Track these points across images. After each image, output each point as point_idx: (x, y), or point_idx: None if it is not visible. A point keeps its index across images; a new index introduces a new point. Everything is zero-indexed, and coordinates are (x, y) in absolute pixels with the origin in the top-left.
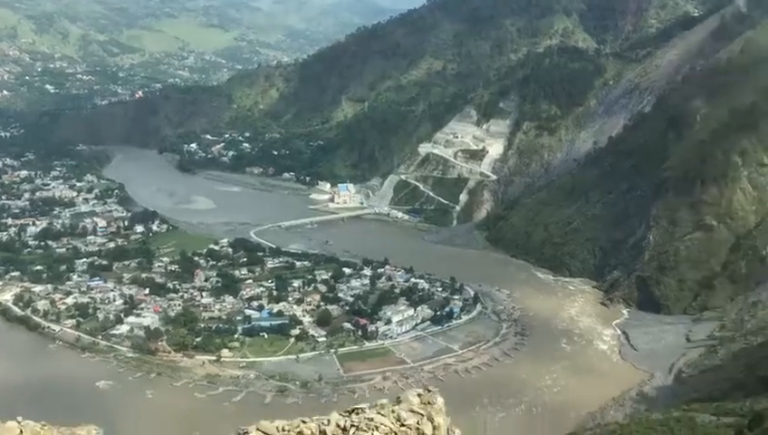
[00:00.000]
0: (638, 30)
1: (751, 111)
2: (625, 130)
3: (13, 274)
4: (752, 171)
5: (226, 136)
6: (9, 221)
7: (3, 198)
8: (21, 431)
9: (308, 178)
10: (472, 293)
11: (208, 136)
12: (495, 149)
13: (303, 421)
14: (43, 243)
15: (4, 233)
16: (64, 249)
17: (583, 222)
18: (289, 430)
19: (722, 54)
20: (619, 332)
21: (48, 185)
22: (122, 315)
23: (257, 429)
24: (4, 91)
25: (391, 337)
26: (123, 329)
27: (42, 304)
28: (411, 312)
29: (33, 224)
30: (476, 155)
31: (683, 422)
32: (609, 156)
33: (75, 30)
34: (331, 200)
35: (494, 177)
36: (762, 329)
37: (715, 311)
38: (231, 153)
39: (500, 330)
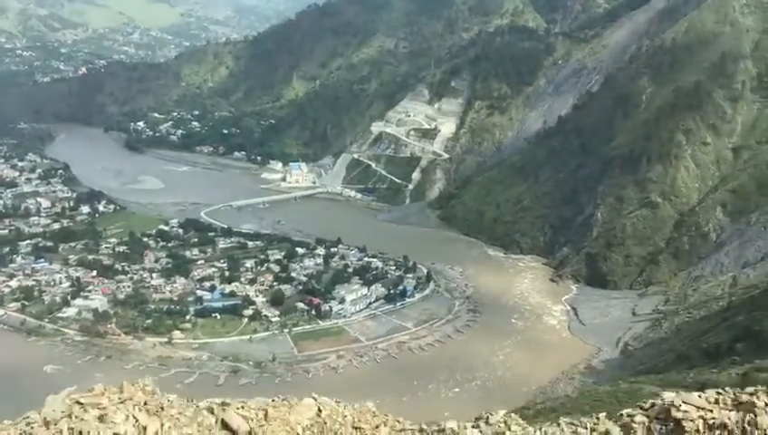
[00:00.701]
0: (586, 10)
1: (695, 91)
2: (574, 110)
3: None
4: (695, 149)
5: (175, 114)
6: None
7: None
8: (319, 408)
9: (259, 158)
10: (425, 271)
11: (156, 114)
12: (447, 127)
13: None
14: None
15: None
16: (7, 231)
17: (533, 200)
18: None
19: (667, 35)
20: (568, 307)
21: None
22: (69, 298)
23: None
24: None
25: (345, 316)
26: (70, 312)
27: None
28: (365, 291)
29: None
30: (429, 134)
31: (630, 394)
32: (559, 135)
33: (14, 4)
34: (283, 180)
35: (447, 155)
36: (704, 303)
37: (659, 286)
38: (180, 132)
39: (453, 307)
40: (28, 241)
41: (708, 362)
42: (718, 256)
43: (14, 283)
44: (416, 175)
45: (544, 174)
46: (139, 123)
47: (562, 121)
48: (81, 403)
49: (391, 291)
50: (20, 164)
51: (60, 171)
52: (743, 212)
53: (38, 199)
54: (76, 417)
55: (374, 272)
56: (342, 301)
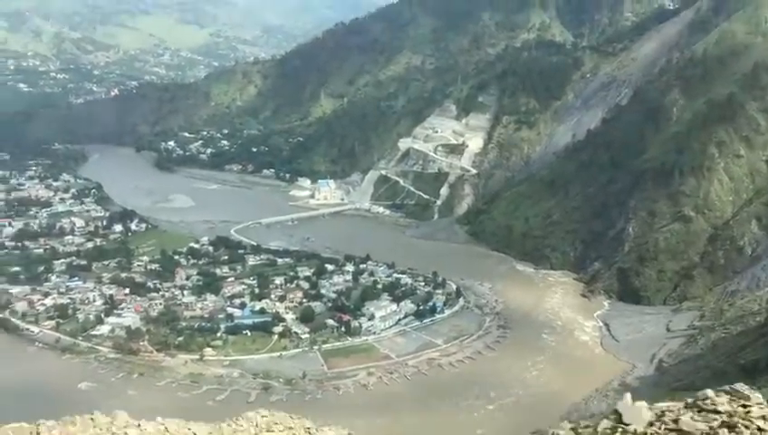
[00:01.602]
0: (614, 24)
1: (728, 103)
2: (603, 123)
3: None
4: (728, 162)
5: (204, 133)
6: None
7: None
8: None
9: (288, 175)
10: (454, 287)
11: (186, 134)
12: (475, 143)
13: None
14: (19, 244)
15: None
16: (42, 250)
17: (563, 215)
18: None
19: (698, 46)
20: (600, 323)
21: (23, 185)
22: (103, 316)
23: None
24: None
25: (375, 333)
26: (104, 329)
27: (20, 306)
28: (394, 307)
29: (10, 225)
30: (456, 149)
31: None
32: (588, 149)
33: (48, 28)
34: (312, 197)
35: (475, 171)
36: (740, 318)
37: (694, 301)
38: (209, 150)
39: (483, 323)
40: (63, 260)
41: (746, 378)
42: (754, 270)
43: (48, 301)
44: (444, 190)
45: (574, 188)
46: (169, 143)
47: (591, 135)
48: None
49: (421, 307)
50: (54, 184)
51: (93, 191)
52: None
53: (72, 219)
54: None
55: (403, 288)
56: (372, 317)
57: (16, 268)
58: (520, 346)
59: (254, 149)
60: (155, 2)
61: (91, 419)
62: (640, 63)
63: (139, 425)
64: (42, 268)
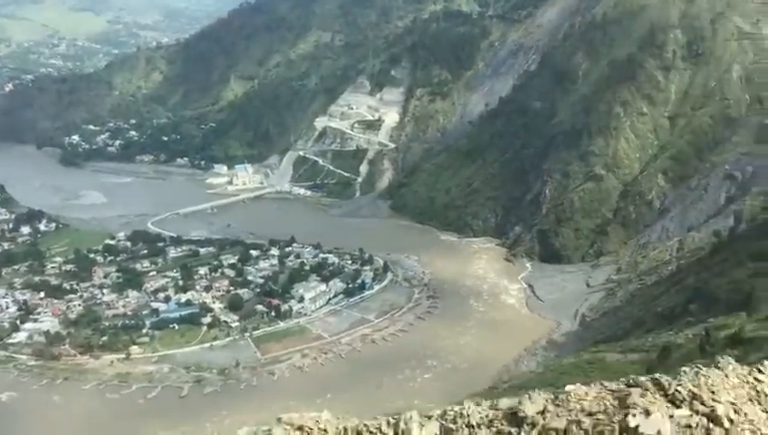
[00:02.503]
0: None
1: (628, 63)
2: (514, 90)
3: None
4: (633, 120)
5: (111, 125)
6: None
7: None
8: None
9: (203, 162)
10: (381, 262)
11: (91, 127)
12: (391, 117)
13: None
14: None
15: None
16: None
17: (482, 183)
18: None
19: (597, 10)
20: (524, 285)
21: None
22: (18, 322)
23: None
24: None
25: (306, 314)
26: (21, 336)
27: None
28: (323, 287)
29: None
30: (373, 125)
31: (594, 363)
32: (501, 116)
33: None
34: (230, 183)
35: (393, 145)
36: (654, 269)
37: (610, 256)
38: (118, 142)
39: (412, 296)
40: None
41: (665, 324)
42: (663, 221)
43: None
44: (363, 167)
45: (491, 156)
46: (73, 137)
47: (504, 103)
48: None
49: (350, 285)
50: None
51: None
52: (683, 178)
53: None
54: None
55: (331, 268)
56: (301, 299)
57: None
58: (450, 315)
59: (165, 138)
60: None
61: None
62: (545, 29)
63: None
64: None
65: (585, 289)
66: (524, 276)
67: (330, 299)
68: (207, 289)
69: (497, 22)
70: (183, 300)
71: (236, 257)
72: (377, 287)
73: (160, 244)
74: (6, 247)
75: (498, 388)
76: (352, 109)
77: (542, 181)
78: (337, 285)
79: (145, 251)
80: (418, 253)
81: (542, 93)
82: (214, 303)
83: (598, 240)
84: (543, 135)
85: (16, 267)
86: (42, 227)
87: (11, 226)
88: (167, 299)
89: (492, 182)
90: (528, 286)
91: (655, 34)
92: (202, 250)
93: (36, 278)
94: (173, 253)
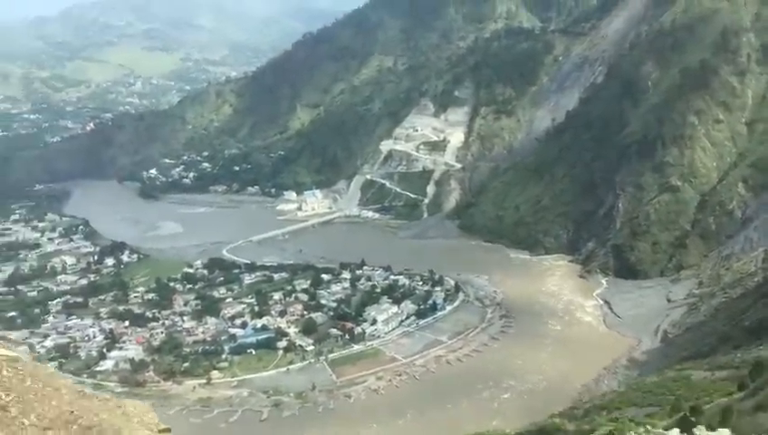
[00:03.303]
0: (579, 4)
1: (701, 70)
2: (581, 103)
3: None
4: (708, 128)
5: (185, 158)
6: None
7: None
8: None
9: (273, 190)
10: (452, 282)
11: (167, 160)
12: (456, 137)
13: None
14: (12, 289)
15: None
16: (35, 292)
17: (552, 199)
18: None
19: (666, 17)
20: (600, 302)
21: (9, 230)
22: (105, 351)
23: None
24: None
25: (379, 337)
26: (108, 364)
27: (21, 350)
28: (395, 309)
29: (0, 270)
30: (438, 146)
31: (679, 382)
32: (569, 130)
33: (16, 69)
34: (299, 209)
35: (459, 165)
36: (738, 281)
37: (690, 269)
38: (192, 174)
39: (485, 315)
40: (58, 299)
41: (753, 339)
42: (746, 232)
43: (48, 342)
44: (430, 188)
45: (559, 171)
46: (151, 171)
47: (571, 116)
48: None
49: (421, 306)
50: (40, 225)
51: (80, 227)
52: (765, 186)
53: (62, 257)
54: None
55: (402, 289)
56: (374, 322)
57: (12, 313)
58: (525, 334)
59: (237, 168)
60: (120, 32)
61: None
62: (611, 40)
63: None
64: (38, 310)
65: (665, 304)
66: (600, 293)
67: (402, 321)
68: (282, 314)
69: (560, 36)
70: (259, 325)
71: (309, 282)
72: (449, 308)
73: (235, 271)
74: (92, 279)
75: (579, 408)
76: (417, 130)
77: (614, 195)
78: (409, 306)
79: (221, 278)
80: (489, 272)
81: (610, 105)
82: (289, 327)
83: (676, 253)
84: (614, 147)
85: (102, 297)
86: (124, 258)
87: (96, 258)
88: (243, 325)
89: (561, 198)
90: (605, 303)
91: (727, 39)
92: (275, 276)
93: (121, 307)
94: (248, 279)
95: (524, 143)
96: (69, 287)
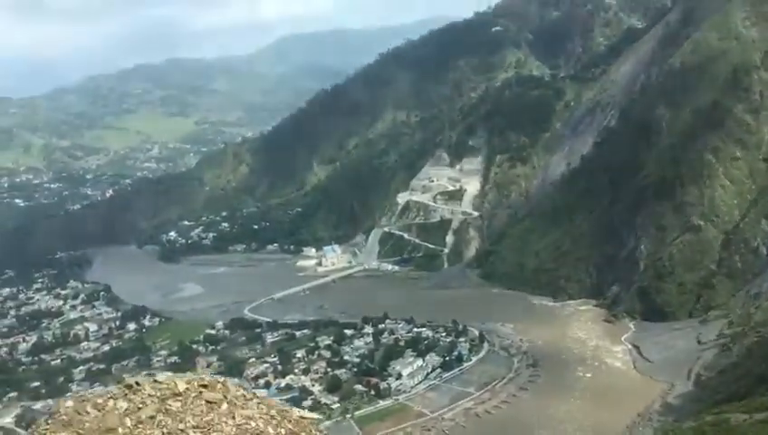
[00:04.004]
0: (587, 50)
1: (714, 109)
2: (595, 148)
3: (11, 394)
4: (727, 166)
5: (204, 219)
6: None
7: None
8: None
9: (292, 247)
10: (477, 332)
11: (185, 222)
12: (473, 186)
13: None
14: (36, 358)
15: None
16: (59, 360)
17: (572, 243)
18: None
19: (675, 59)
20: (629, 346)
21: (32, 298)
22: None
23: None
24: None
25: (405, 391)
26: None
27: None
28: (420, 362)
29: (24, 340)
30: (455, 195)
31: (718, 426)
32: (585, 174)
33: (36, 140)
34: (319, 264)
35: (477, 213)
36: None
37: (719, 309)
38: (211, 235)
39: (512, 365)
40: (81, 367)
41: None
42: None
43: None
44: (449, 238)
45: (578, 215)
46: (170, 234)
47: (586, 160)
48: None
49: (447, 358)
50: (63, 292)
51: (102, 293)
52: None
53: (85, 324)
54: None
55: (426, 342)
56: (399, 376)
57: (36, 383)
58: (554, 383)
59: (255, 227)
60: (138, 100)
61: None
62: (621, 84)
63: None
64: (61, 379)
65: (696, 346)
66: (628, 337)
67: (427, 374)
68: (306, 372)
69: (570, 82)
70: (283, 384)
71: (332, 338)
72: (474, 359)
73: (258, 329)
74: (115, 345)
75: None
76: (433, 181)
77: (635, 237)
78: (433, 359)
79: (243, 338)
80: (513, 320)
81: (625, 148)
82: (313, 385)
83: (704, 294)
84: (632, 190)
85: (125, 363)
86: (146, 322)
87: (118, 323)
88: (267, 384)
89: (582, 242)
90: (633, 347)
91: (739, 78)
92: (298, 333)
93: (143, 372)
94: (270, 338)
95: (541, 189)
96: (92, 354)
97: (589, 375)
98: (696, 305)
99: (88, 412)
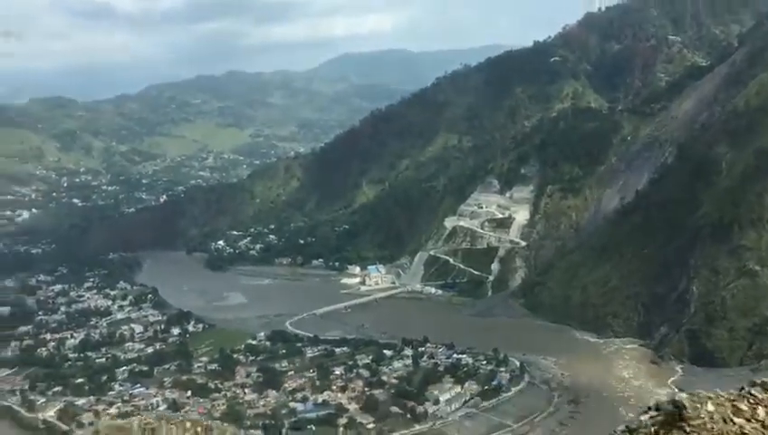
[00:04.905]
0: (647, 85)
1: None
2: (651, 184)
3: (55, 389)
4: None
5: (252, 230)
6: (48, 336)
7: (40, 313)
8: None
9: (337, 264)
10: (517, 363)
11: (234, 232)
12: (522, 215)
13: None
14: (82, 355)
15: (44, 349)
16: (104, 359)
17: (621, 280)
18: None
19: (738, 99)
20: (676, 390)
21: (83, 296)
22: None
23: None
24: (33, 210)
25: (441, 417)
26: None
27: (86, 418)
28: (458, 389)
29: (72, 337)
30: (503, 223)
31: None
32: (639, 210)
33: (98, 144)
34: (363, 283)
35: (524, 243)
36: None
37: None
38: (258, 246)
39: (552, 399)
40: (124, 367)
41: None
42: None
43: (113, 410)
44: (495, 266)
45: (629, 252)
46: (219, 242)
47: (641, 196)
48: None
49: (485, 387)
50: (112, 293)
51: (149, 296)
52: None
53: (131, 325)
54: None
55: (465, 368)
56: (437, 401)
57: (80, 380)
58: (595, 422)
59: (302, 241)
60: (197, 109)
61: None
62: (681, 121)
63: None
64: (105, 377)
65: None
66: (675, 381)
67: (465, 401)
68: (343, 389)
69: (628, 116)
70: (320, 400)
71: (371, 357)
72: (513, 390)
73: (298, 344)
74: (158, 348)
75: None
76: (482, 208)
77: (688, 278)
78: (472, 386)
79: (284, 351)
80: (556, 354)
81: (681, 186)
82: (349, 403)
83: (757, 341)
84: (686, 229)
85: (167, 366)
86: (190, 327)
87: (163, 327)
88: (304, 399)
89: (631, 279)
90: (680, 392)
91: None
92: (337, 350)
93: (184, 377)
94: (310, 353)
95: (592, 222)
96: (136, 355)
97: (631, 416)
98: (748, 353)
99: None
